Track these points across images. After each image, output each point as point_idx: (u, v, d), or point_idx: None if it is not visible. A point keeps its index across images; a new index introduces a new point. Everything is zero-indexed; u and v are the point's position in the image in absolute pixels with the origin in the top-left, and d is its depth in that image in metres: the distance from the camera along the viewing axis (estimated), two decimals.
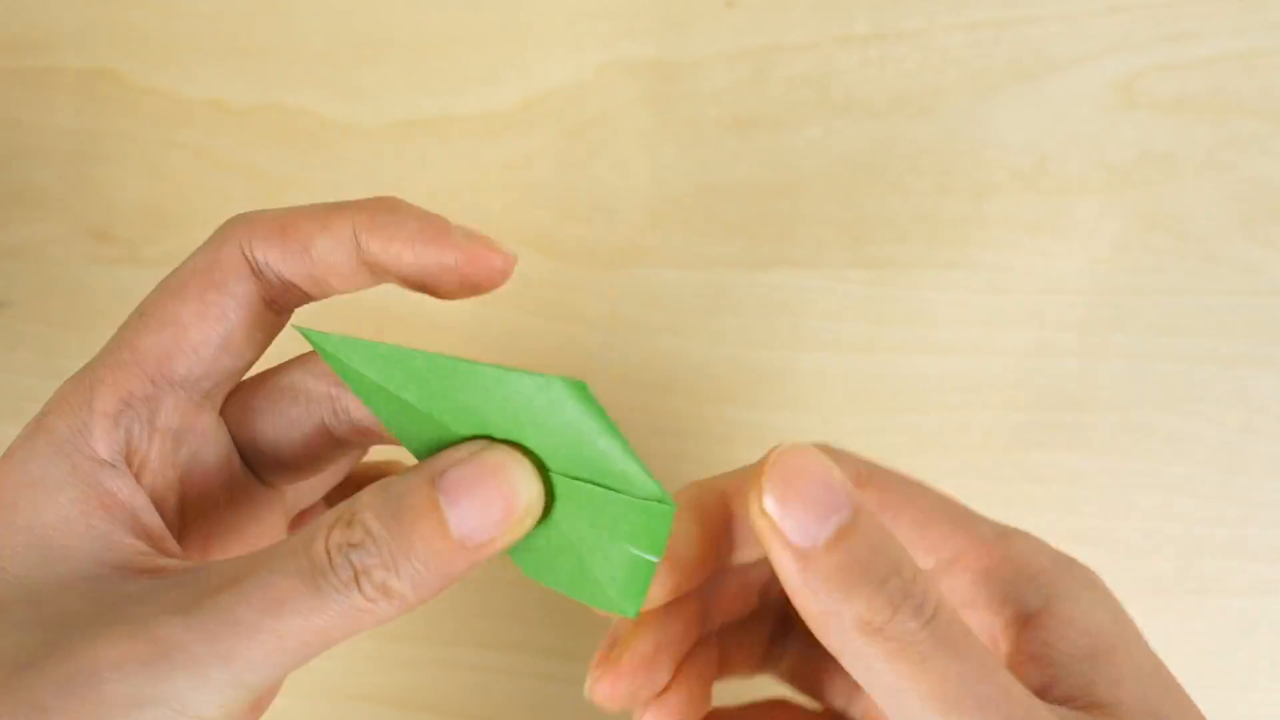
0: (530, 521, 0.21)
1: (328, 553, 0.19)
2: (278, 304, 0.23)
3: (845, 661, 0.20)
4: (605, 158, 0.36)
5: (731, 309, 0.36)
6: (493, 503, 0.20)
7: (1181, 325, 0.35)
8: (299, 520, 0.27)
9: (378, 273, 0.22)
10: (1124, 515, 0.29)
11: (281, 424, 0.24)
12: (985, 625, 0.23)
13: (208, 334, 0.21)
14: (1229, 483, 0.34)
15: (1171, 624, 0.33)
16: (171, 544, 0.21)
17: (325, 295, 0.23)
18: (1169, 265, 0.35)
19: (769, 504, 0.19)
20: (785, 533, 0.19)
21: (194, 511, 0.23)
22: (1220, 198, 0.35)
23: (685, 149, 0.36)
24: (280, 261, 0.22)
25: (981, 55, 0.36)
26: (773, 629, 0.28)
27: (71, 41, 0.38)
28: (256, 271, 0.22)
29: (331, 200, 0.23)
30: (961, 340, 0.35)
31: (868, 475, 0.24)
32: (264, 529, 0.25)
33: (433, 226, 0.22)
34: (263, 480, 0.25)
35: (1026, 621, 0.22)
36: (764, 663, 0.28)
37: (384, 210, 0.22)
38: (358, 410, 0.24)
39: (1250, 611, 0.34)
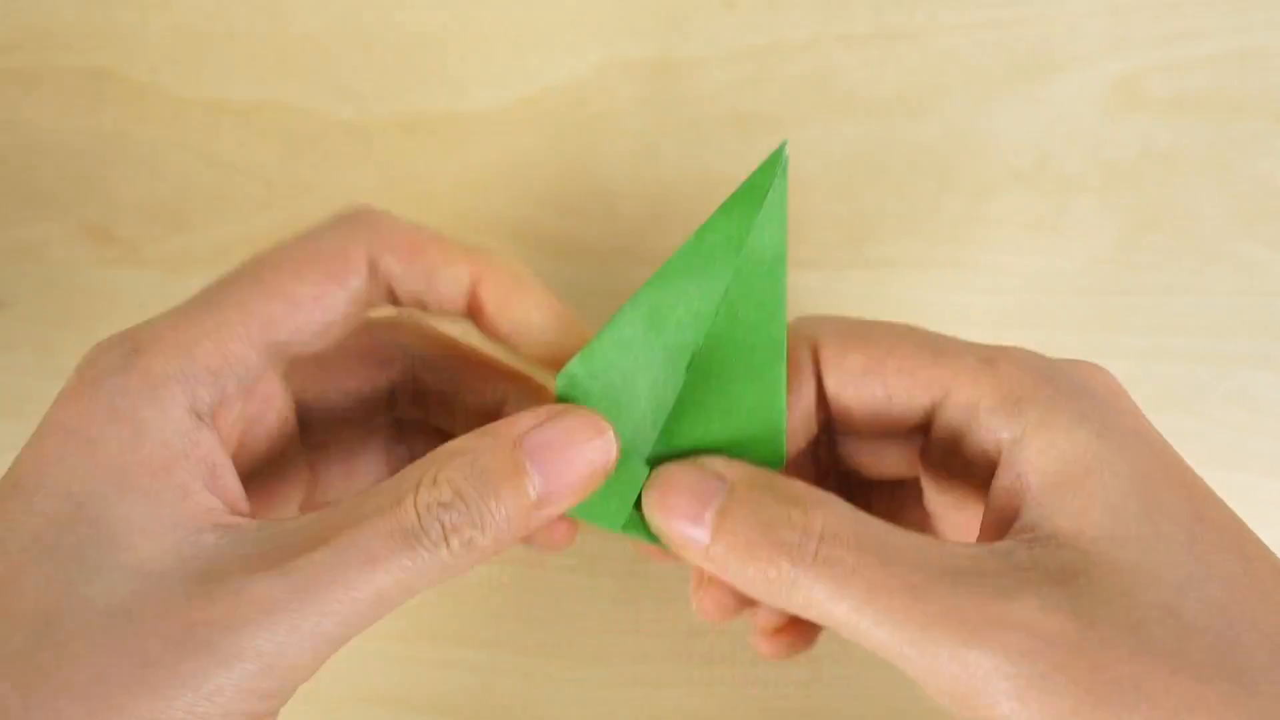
0: (600, 483, 0.22)
1: (418, 513, 0.20)
2: (371, 305, 0.24)
3: (789, 610, 0.22)
4: (605, 157, 0.36)
5: None
6: (572, 466, 0.22)
7: (1181, 325, 0.35)
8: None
9: (473, 315, 0.25)
10: None
11: (351, 384, 0.26)
12: (981, 457, 0.23)
13: (315, 318, 0.22)
14: (1229, 483, 0.34)
15: None
16: (243, 503, 0.21)
17: (414, 308, 0.25)
18: (1169, 265, 0.35)
19: (660, 528, 0.23)
20: (683, 546, 0.22)
21: (243, 468, 0.23)
22: (1220, 198, 0.35)
23: (685, 148, 0.36)
24: (400, 277, 0.23)
25: (981, 55, 0.36)
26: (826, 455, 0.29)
27: (71, 41, 0.38)
28: (374, 275, 0.23)
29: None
30: None
31: (851, 335, 0.24)
32: (290, 491, 0.26)
33: (548, 302, 0.24)
34: (305, 441, 0.26)
35: (1009, 451, 0.22)
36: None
37: (507, 269, 0.24)
38: (432, 378, 0.26)
39: None
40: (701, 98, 0.36)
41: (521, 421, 0.22)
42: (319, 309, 0.22)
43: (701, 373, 0.24)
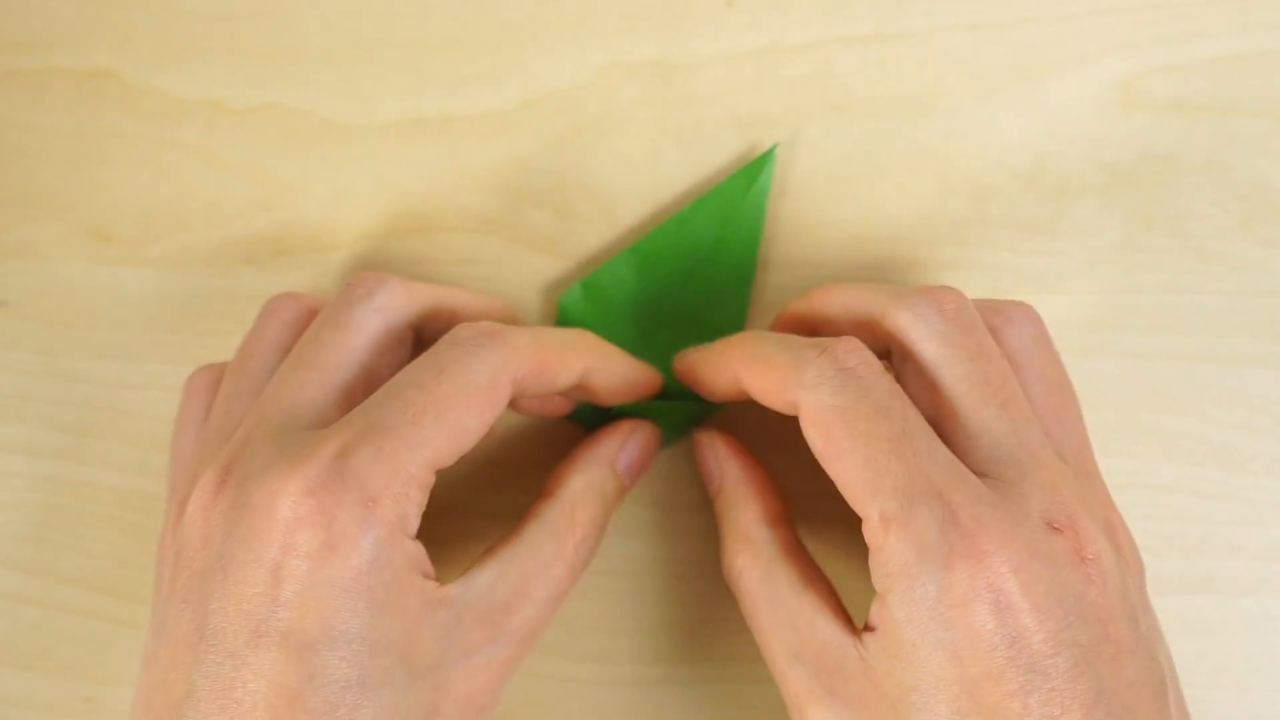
0: None
1: (575, 550, 0.29)
2: None
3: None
4: (605, 158, 0.36)
5: None
6: (645, 463, 0.32)
7: (1181, 325, 0.35)
8: None
9: (577, 391, 0.31)
10: (1123, 515, 0.29)
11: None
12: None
13: (473, 441, 0.27)
14: (1229, 482, 0.34)
15: (1171, 624, 0.33)
16: (430, 564, 0.27)
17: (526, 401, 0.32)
18: (1169, 265, 0.35)
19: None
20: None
21: None
22: (1220, 198, 0.35)
23: (685, 149, 0.36)
24: (531, 388, 0.28)
25: (981, 55, 0.36)
26: None
27: (70, 41, 0.38)
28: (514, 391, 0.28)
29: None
30: None
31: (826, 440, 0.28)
32: None
33: (642, 378, 0.32)
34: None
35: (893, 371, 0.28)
36: None
37: (608, 359, 0.31)
38: None
39: (1250, 611, 0.34)
40: (701, 98, 0.36)
41: (609, 444, 0.31)
42: (477, 434, 0.27)
43: (678, 319, 0.33)
